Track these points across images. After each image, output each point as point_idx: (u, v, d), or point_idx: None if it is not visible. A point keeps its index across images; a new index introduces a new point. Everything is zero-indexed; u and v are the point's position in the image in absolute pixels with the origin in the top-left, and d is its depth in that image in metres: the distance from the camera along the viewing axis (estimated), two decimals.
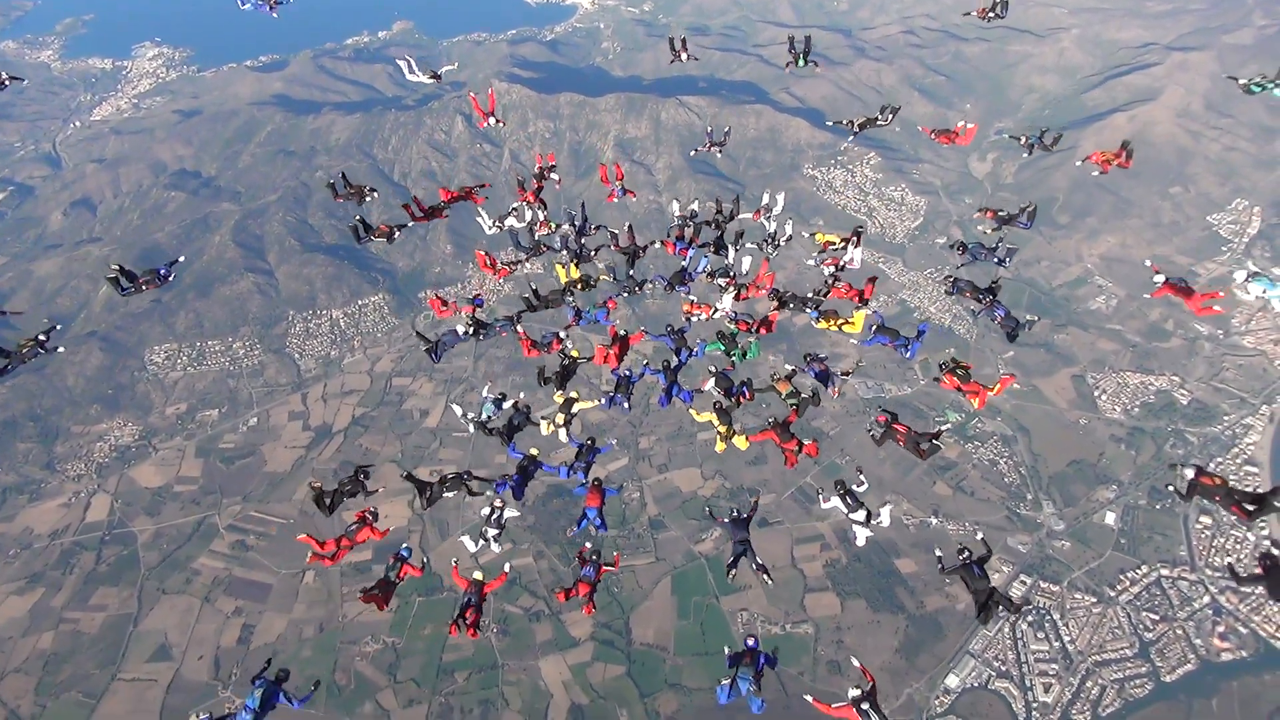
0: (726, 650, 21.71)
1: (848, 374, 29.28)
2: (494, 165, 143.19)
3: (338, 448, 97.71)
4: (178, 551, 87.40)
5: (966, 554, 21.68)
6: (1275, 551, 18.20)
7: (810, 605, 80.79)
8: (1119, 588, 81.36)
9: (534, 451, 26.63)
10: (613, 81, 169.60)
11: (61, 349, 26.79)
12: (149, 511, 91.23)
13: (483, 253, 34.07)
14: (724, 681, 20.73)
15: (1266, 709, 72.14)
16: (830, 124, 34.77)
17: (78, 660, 78.25)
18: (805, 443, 25.87)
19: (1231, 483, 19.99)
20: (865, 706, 19.51)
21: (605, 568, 24.97)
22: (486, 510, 25.53)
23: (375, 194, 32.23)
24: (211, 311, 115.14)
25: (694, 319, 31.80)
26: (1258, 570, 18.35)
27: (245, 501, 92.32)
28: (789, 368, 28.76)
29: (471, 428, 27.12)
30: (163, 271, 27.20)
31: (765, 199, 34.88)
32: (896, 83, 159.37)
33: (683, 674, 77.32)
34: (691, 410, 27.82)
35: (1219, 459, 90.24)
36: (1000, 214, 31.32)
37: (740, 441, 26.81)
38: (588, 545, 25.30)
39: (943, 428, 24.20)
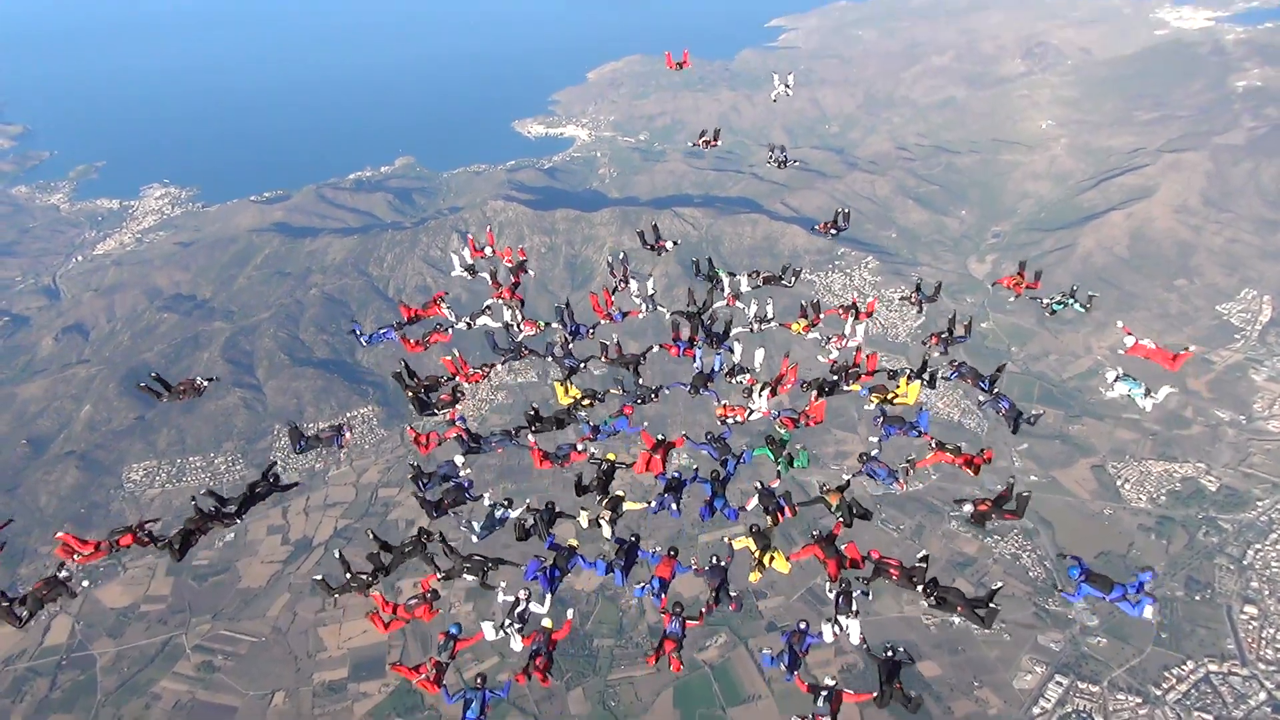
0: None
1: (913, 464, 26.65)
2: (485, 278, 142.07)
3: (317, 560, 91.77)
4: (139, 675, 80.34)
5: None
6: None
7: None
8: (1165, 686, 73.24)
9: (574, 543, 24.20)
10: (608, 202, 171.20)
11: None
12: (112, 633, 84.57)
13: (449, 359, 30.63)
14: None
15: None
16: (731, 272, 34.68)
17: None
18: (843, 547, 23.48)
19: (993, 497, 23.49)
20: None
21: (690, 622, 23.20)
22: (508, 599, 22.51)
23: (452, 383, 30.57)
24: (195, 428, 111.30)
25: (730, 421, 29.21)
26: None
27: (215, 620, 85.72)
28: (846, 477, 26.42)
29: (475, 538, 24.54)
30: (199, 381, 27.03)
31: (727, 286, 33.66)
32: (890, 192, 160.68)
33: None
34: (726, 538, 26.82)
35: (1257, 545, 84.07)
36: (942, 335, 32.38)
37: (781, 564, 23.74)
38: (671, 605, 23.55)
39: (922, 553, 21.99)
